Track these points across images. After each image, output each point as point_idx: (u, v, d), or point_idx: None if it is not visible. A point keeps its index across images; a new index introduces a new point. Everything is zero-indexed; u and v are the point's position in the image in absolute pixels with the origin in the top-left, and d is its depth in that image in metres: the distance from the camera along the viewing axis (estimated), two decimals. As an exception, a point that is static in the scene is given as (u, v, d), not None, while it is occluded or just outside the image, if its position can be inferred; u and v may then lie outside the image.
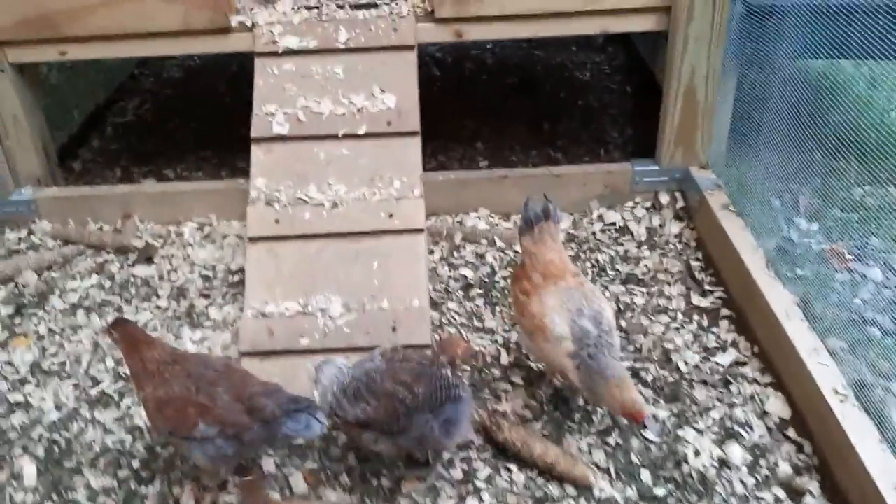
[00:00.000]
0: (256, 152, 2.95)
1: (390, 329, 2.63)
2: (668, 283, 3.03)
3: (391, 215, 2.81)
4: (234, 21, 3.15)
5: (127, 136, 4.38)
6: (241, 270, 3.19)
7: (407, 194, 2.85)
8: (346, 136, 2.95)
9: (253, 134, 2.96)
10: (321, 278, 2.74)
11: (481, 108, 4.47)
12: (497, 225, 3.41)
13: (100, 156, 4.21)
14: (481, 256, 3.23)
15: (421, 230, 2.80)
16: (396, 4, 3.19)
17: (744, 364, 2.64)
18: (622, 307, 2.92)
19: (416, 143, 2.95)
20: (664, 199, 3.42)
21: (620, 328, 2.77)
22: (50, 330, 2.94)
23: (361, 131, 2.94)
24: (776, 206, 3.33)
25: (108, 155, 4.21)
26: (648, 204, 3.45)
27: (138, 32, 3.14)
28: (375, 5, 3.20)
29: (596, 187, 3.43)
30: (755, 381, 2.57)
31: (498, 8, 3.10)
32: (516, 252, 3.22)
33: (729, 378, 2.58)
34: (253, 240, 2.80)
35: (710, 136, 3.32)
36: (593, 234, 3.34)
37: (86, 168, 4.09)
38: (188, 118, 4.51)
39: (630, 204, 3.45)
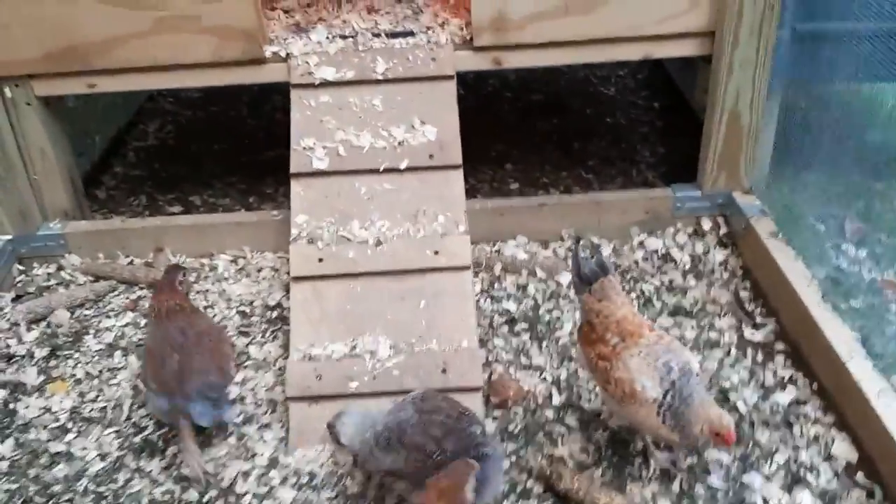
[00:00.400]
0: (296, 188, 2.88)
1: (440, 371, 2.56)
2: (718, 315, 2.96)
3: (436, 252, 2.74)
4: (268, 52, 3.08)
5: (149, 162, 4.31)
6: (280, 306, 3.13)
7: (451, 230, 2.78)
8: (388, 171, 2.88)
9: (292, 169, 2.89)
10: (367, 318, 2.67)
11: (508, 127, 4.41)
12: (535, 254, 3.34)
13: (124, 182, 4.13)
14: (523, 288, 3.16)
15: (467, 267, 2.74)
16: (434, 33, 3.12)
17: (804, 403, 2.58)
18: (673, 342, 2.86)
19: (458, 177, 2.89)
20: (706, 224, 3.35)
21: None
22: (87, 373, 2.87)
23: (403, 165, 2.87)
24: (821, 231, 3.27)
25: (131, 182, 4.14)
26: (690, 230, 3.38)
27: (169, 64, 3.06)
28: (412, 34, 3.13)
29: (636, 213, 3.37)
30: (818, 420, 2.51)
31: (538, 35, 3.03)
32: (558, 283, 3.16)
33: (790, 418, 2.52)
34: (297, 279, 2.73)
35: (753, 160, 3.26)
36: (636, 262, 3.27)
37: (110, 196, 4.02)
38: (211, 141, 4.44)
39: (671, 230, 3.38)
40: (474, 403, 2.53)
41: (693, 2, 2.98)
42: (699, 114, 4.17)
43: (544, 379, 2.75)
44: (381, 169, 2.88)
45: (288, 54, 3.07)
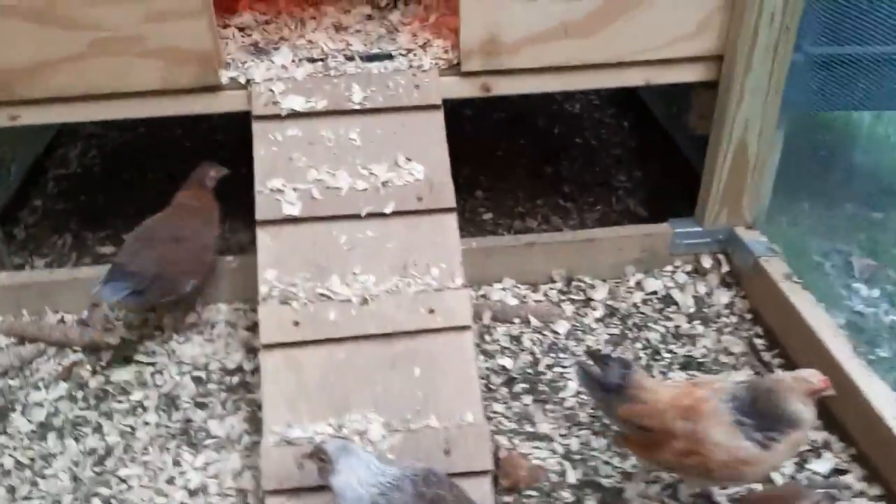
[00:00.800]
0: (263, 238, 2.48)
1: (442, 452, 2.22)
2: (734, 367, 2.70)
3: (431, 311, 2.39)
4: (225, 77, 2.66)
5: (74, 193, 3.81)
6: (240, 369, 2.74)
7: (447, 283, 2.44)
8: (371, 216, 2.51)
9: (258, 216, 2.49)
10: (354, 391, 2.30)
11: (474, 150, 4.06)
12: (525, 298, 3.02)
13: (45, 218, 3.63)
14: (517, 339, 2.84)
15: (467, 327, 2.40)
16: (415, 56, 2.76)
17: (845, 472, 2.33)
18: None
19: (452, 222, 2.54)
20: (706, 262, 3.10)
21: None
22: (17, 462, 2.40)
23: (388, 209, 2.51)
24: (828, 269, 3.06)
25: (54, 217, 3.64)
26: (689, 268, 3.12)
27: (108, 93, 2.62)
28: (391, 57, 2.76)
29: (632, 251, 3.09)
30: (863, 493, 2.26)
31: (533, 60, 2.71)
32: (555, 333, 2.85)
33: (834, 493, 2.27)
34: (268, 347, 2.34)
35: (757, 193, 3.02)
36: (635, 305, 2.99)
37: (30, 235, 3.51)
38: (143, 167, 3.96)
39: (669, 268, 3.12)
40: (482, 489, 2.19)
41: (702, 24, 2.71)
42: (673, 134, 3.99)
43: (554, 451, 2.44)
44: (364, 214, 2.51)
45: (248, 80, 2.66)
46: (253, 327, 2.87)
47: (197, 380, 2.69)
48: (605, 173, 3.95)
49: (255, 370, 2.70)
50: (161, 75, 2.59)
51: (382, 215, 2.51)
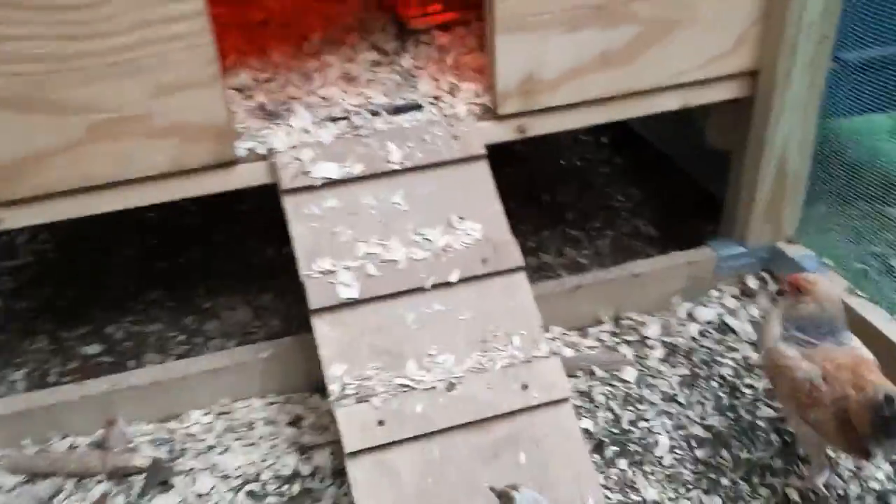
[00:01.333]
0: (321, 328, 2.18)
1: (569, 544, 1.99)
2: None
3: (525, 386, 2.15)
4: (242, 149, 2.35)
5: (35, 287, 3.36)
6: (298, 475, 2.42)
7: (533, 352, 2.21)
8: (436, 287, 2.26)
9: (312, 304, 2.18)
10: (460, 491, 2.04)
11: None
12: (578, 346, 2.82)
13: (9, 322, 3.18)
14: (587, 395, 2.64)
15: (566, 399, 2.18)
16: (446, 103, 2.52)
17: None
18: (788, 439, 2.44)
19: (523, 281, 2.31)
20: (752, 282, 2.98)
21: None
22: None
23: (454, 278, 2.26)
24: (874, 275, 2.99)
25: (21, 318, 3.19)
26: (736, 290, 3.00)
27: (111, 182, 2.26)
28: (419, 107, 2.51)
29: (678, 281, 2.94)
30: None
31: (572, 95, 2.52)
32: (625, 381, 2.67)
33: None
34: (354, 454, 2.05)
35: (796, 206, 2.93)
36: (693, 339, 2.84)
37: (-2, 344, 3.07)
38: (107, 247, 3.55)
39: (715, 294, 2.99)
40: (618, 577, 1.98)
41: (739, 39, 2.59)
42: (665, 150, 3.90)
43: (674, 519, 2.25)
44: (428, 286, 2.25)
45: (270, 150, 2.36)
46: (296, 421, 2.57)
47: (251, 495, 2.36)
48: (602, 195, 3.81)
49: (314, 473, 2.40)
50: (172, 156, 2.26)
51: (448, 285, 2.26)
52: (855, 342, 2.11)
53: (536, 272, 3.29)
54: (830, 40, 2.58)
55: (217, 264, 3.43)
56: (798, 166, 2.82)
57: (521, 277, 2.31)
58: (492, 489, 1.87)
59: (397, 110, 2.49)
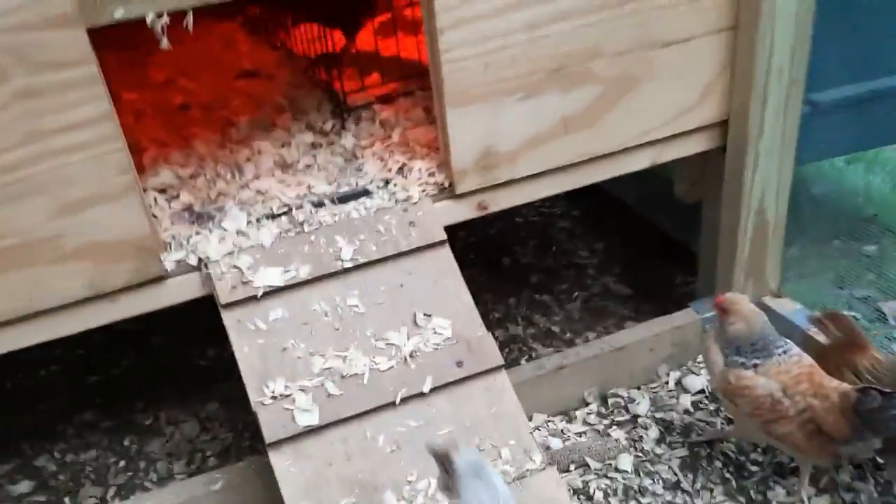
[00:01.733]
0: (281, 464, 1.88)
1: None
2: (827, 471, 2.36)
3: (522, 506, 1.88)
4: (170, 262, 2.05)
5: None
6: None
7: (526, 465, 1.94)
8: (407, 400, 1.98)
9: (268, 437, 1.89)
10: None
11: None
12: (566, 433, 2.56)
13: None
14: (585, 493, 2.36)
15: (567, 515, 1.91)
16: (397, 186, 2.26)
17: None
18: (805, 519, 2.21)
19: (505, 383, 2.06)
20: (739, 342, 2.77)
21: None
22: None
23: (426, 387, 1.99)
24: (863, 321, 2.82)
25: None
26: (723, 353, 2.78)
27: (20, 316, 1.94)
28: (367, 193, 2.25)
29: (664, 349, 2.72)
30: None
31: (534, 165, 2.29)
32: (622, 472, 2.41)
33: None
34: None
35: (778, 257, 2.74)
36: (687, 412, 2.60)
37: None
38: (27, 363, 3.18)
39: (701, 359, 2.76)
40: None
41: (705, 90, 2.40)
42: (627, 200, 3.71)
43: None
44: (398, 400, 1.97)
45: (202, 259, 2.06)
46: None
47: None
48: (565, 252, 3.60)
49: None
50: (88, 279, 1.95)
51: (421, 396, 1.99)
52: (795, 348, 2.12)
53: (507, 347, 3.05)
54: (801, 83, 2.41)
55: (156, 371, 3.10)
56: (777, 214, 2.63)
57: (503, 378, 2.05)
58: (431, 450, 1.63)
59: (343, 199, 2.23)
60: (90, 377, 3.10)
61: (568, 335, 3.12)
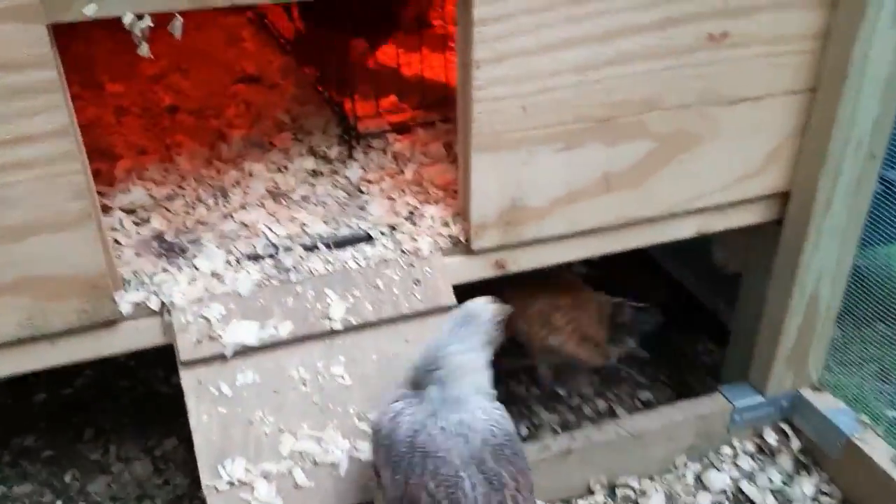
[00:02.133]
0: (232, 569, 1.56)
1: None
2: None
3: None
4: (125, 304, 1.72)
5: None
6: None
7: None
8: (391, 501, 1.65)
9: (219, 534, 1.56)
10: None
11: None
12: (567, 526, 2.25)
13: None
14: None
15: None
16: (404, 234, 1.93)
17: None
18: None
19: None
20: (771, 437, 2.46)
21: None
22: None
23: (415, 486, 1.65)
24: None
25: None
26: (751, 447, 2.46)
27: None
28: (369, 238, 1.92)
29: (685, 438, 2.40)
30: None
31: (567, 224, 1.97)
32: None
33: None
34: None
35: (824, 348, 2.42)
36: (706, 514, 2.29)
37: None
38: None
39: (727, 451, 2.45)
40: None
41: (770, 156, 2.08)
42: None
43: None
44: (380, 501, 1.64)
45: (165, 304, 1.73)
46: None
47: None
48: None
49: None
50: (24, 319, 1.62)
51: (408, 494, 1.66)
52: None
53: (507, 409, 2.72)
54: (878, 159, 2.09)
55: (112, 394, 2.78)
56: (830, 303, 2.31)
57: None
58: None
59: (340, 244, 1.90)
60: (36, 395, 2.77)
61: (575, 401, 2.80)
